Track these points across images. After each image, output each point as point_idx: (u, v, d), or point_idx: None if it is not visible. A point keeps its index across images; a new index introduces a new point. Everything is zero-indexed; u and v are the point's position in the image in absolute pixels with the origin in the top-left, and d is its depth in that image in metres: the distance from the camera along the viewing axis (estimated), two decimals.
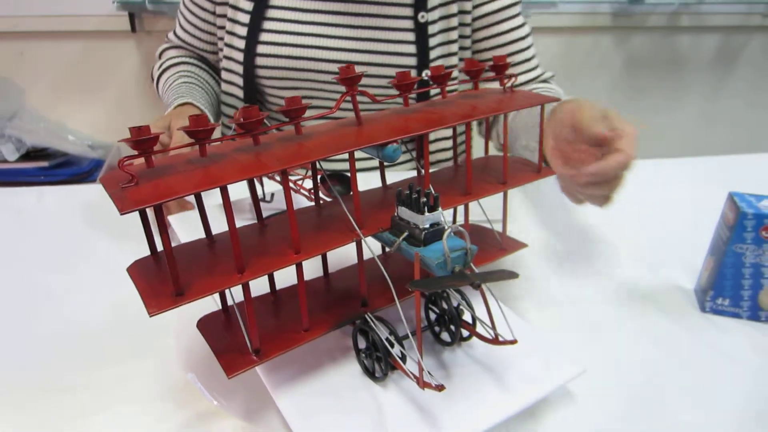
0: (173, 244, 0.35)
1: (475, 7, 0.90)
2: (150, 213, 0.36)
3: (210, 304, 0.46)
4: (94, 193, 0.83)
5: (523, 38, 0.92)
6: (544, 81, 0.95)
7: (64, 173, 1.70)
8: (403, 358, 0.42)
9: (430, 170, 0.50)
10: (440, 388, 0.38)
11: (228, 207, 0.36)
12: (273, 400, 0.43)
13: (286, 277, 0.45)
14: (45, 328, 0.55)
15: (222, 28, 0.90)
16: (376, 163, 0.50)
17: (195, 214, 0.59)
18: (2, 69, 1.81)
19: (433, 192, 0.40)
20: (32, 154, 1.72)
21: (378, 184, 0.53)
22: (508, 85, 0.51)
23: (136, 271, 0.40)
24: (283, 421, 0.43)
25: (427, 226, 0.40)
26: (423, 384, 0.39)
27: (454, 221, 0.58)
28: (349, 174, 0.43)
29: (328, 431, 0.41)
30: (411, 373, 0.41)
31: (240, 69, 0.88)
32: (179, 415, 0.46)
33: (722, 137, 2.33)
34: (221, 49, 0.92)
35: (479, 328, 0.45)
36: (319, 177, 0.49)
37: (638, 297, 0.61)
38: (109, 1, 1.71)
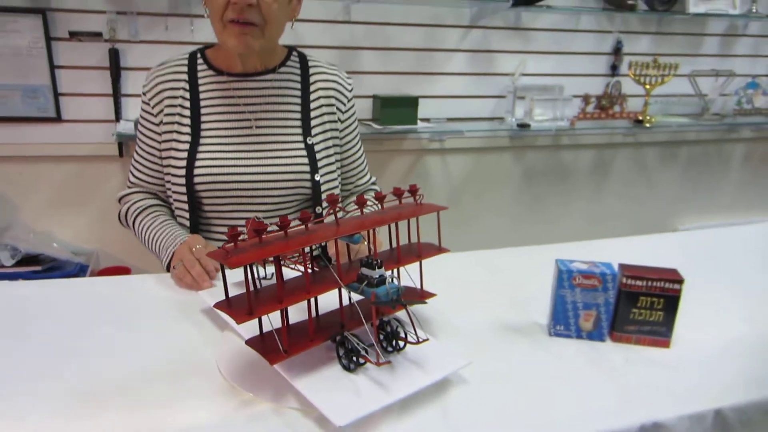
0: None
1: (342, 138, 1.37)
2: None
3: (236, 341, 0.78)
4: (105, 285, 1.13)
5: (362, 156, 1.44)
6: (374, 183, 1.49)
7: (55, 275, 1.96)
8: (366, 353, 0.75)
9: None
10: (389, 362, 0.71)
11: (278, 269, 0.70)
12: (290, 388, 0.74)
13: (293, 317, 0.78)
14: (124, 366, 0.84)
15: (167, 166, 1.26)
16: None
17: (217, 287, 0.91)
18: (0, 186, 2.07)
19: (379, 259, 0.76)
20: (26, 259, 1.97)
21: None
22: (420, 200, 0.89)
23: (220, 305, 0.72)
24: (298, 399, 0.73)
25: (377, 276, 0.75)
26: (379, 363, 0.73)
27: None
28: (324, 254, 0.78)
29: (329, 398, 0.71)
30: (372, 360, 0.74)
31: (183, 189, 1.23)
32: (230, 403, 0.75)
33: (603, 227, 2.84)
34: (168, 185, 1.28)
35: (409, 338, 0.79)
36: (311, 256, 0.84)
37: (510, 328, 0.97)
38: (103, 132, 2.06)
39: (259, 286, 0.81)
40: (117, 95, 2.06)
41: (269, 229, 0.72)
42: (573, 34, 2.56)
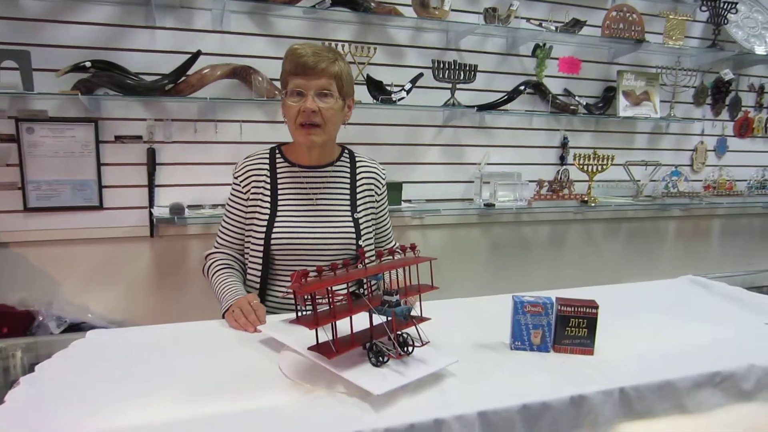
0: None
1: (378, 212, 1.80)
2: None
3: (291, 355, 1.15)
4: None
5: (390, 226, 1.89)
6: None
7: None
8: (389, 351, 1.13)
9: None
10: (407, 354, 1.10)
11: (332, 296, 1.10)
12: (338, 379, 1.11)
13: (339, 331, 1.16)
14: (215, 375, 1.20)
15: (250, 230, 1.67)
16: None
17: (271, 322, 1.29)
18: (45, 267, 2.39)
19: (396, 289, 1.16)
20: (71, 327, 2.28)
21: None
22: (417, 254, 1.30)
23: (293, 321, 1.10)
24: (344, 385, 1.09)
25: (394, 301, 1.15)
26: (399, 356, 1.11)
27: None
28: (358, 291, 1.17)
29: (367, 380, 1.08)
30: (393, 355, 1.12)
31: (261, 248, 1.63)
32: (296, 392, 1.11)
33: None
34: (247, 245, 1.68)
35: (416, 343, 1.18)
36: (351, 291, 1.23)
37: (483, 344, 1.35)
38: (137, 216, 2.44)
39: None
40: (152, 186, 2.46)
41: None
42: (527, 131, 3.09)
